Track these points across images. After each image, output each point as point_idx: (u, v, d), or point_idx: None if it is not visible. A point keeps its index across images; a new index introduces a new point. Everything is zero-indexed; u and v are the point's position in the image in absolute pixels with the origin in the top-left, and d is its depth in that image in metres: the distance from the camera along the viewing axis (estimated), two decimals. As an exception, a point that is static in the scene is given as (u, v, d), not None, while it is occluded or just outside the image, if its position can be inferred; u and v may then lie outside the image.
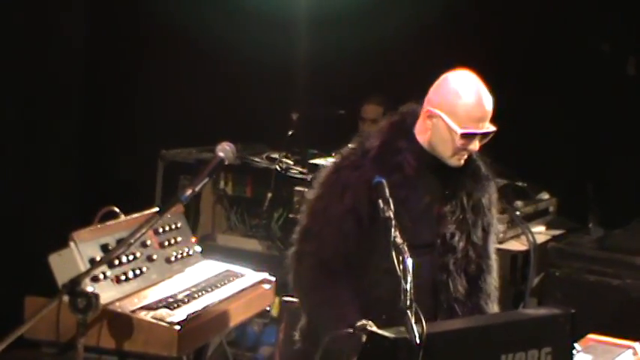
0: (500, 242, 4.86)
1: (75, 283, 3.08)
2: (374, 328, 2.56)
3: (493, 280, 3.19)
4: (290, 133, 5.71)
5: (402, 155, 3.10)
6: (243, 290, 3.69)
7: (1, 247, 5.27)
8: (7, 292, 3.56)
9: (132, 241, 3.09)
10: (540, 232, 5.43)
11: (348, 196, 3.04)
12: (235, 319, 3.61)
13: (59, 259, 3.33)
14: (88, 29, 5.88)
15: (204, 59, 6.22)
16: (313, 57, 6.90)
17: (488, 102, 3.11)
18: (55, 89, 5.82)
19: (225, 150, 3.15)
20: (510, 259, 5.15)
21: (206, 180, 3.10)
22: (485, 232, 3.18)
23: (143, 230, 3.06)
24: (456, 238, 3.01)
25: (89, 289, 3.12)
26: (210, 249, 4.62)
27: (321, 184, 3.19)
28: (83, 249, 3.32)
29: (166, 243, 3.75)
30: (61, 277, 3.26)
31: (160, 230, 3.75)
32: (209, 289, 3.61)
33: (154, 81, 6.09)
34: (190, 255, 3.86)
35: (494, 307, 3.15)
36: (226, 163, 3.14)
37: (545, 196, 5.67)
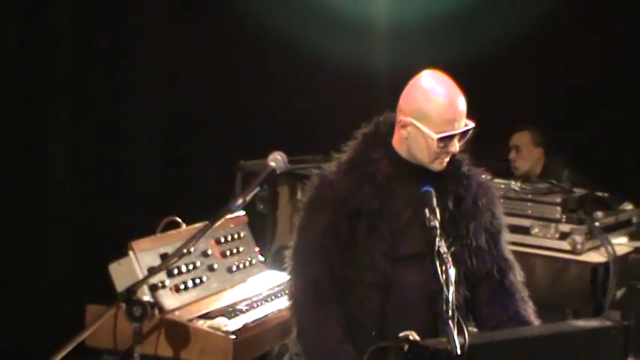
0: (579, 254, 4.74)
1: (131, 291, 3.14)
2: (416, 338, 2.52)
3: (517, 279, 3.06)
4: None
5: (373, 165, 3.01)
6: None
7: (84, 254, 5.42)
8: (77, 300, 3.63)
9: (184, 250, 3.12)
10: (622, 243, 5.26)
11: (326, 213, 2.98)
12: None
13: (119, 268, 3.38)
14: (172, 37, 6.01)
15: (284, 69, 6.25)
16: (402, 65, 6.85)
17: (460, 100, 2.97)
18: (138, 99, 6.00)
19: (276, 159, 3.17)
20: (591, 271, 5.00)
21: (257, 190, 3.11)
22: (491, 232, 3.04)
23: (194, 240, 3.09)
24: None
25: (146, 298, 3.18)
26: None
27: (305, 203, 3.15)
28: (142, 258, 3.37)
29: (228, 253, 3.78)
30: (121, 285, 3.31)
31: (222, 240, 3.78)
32: (269, 299, 3.62)
33: (232, 91, 6.16)
34: (253, 264, 3.88)
35: (527, 308, 3.02)
36: (278, 172, 3.15)
37: (629, 206, 5.51)
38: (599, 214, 5.25)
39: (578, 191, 5.14)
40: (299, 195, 5.92)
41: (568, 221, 4.73)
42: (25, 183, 5.54)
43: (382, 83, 6.83)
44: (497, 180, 5.04)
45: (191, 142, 6.27)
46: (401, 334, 2.56)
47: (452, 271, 2.56)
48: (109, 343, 3.21)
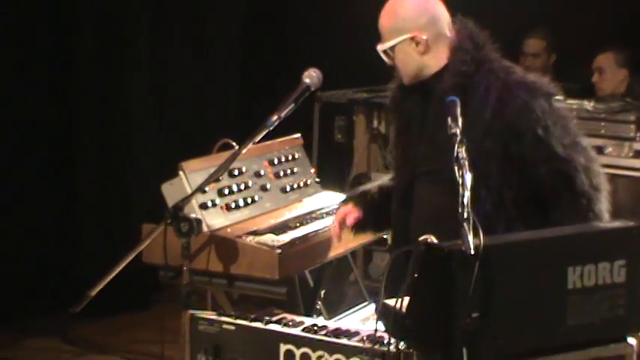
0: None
1: (178, 208, 3.26)
2: (433, 241, 2.56)
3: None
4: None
5: (389, 92, 3.31)
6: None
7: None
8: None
9: (227, 167, 3.23)
10: None
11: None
12: (344, 246, 3.68)
13: (170, 187, 3.51)
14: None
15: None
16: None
17: (381, 15, 3.18)
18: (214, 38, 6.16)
19: (311, 76, 3.22)
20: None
21: (292, 106, 3.17)
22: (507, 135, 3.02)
23: (235, 157, 3.18)
24: (447, 158, 2.76)
25: (193, 215, 3.29)
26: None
27: None
28: (192, 178, 3.48)
29: (282, 173, 3.86)
30: (172, 204, 3.43)
31: (276, 161, 3.87)
32: (321, 217, 3.70)
33: (310, 21, 6.22)
34: (308, 185, 3.96)
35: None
36: (312, 89, 3.21)
37: None
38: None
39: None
40: (375, 124, 5.97)
41: (643, 139, 4.66)
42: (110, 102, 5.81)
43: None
44: (569, 100, 4.98)
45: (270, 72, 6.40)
46: (420, 238, 2.61)
47: (468, 176, 2.58)
48: (162, 259, 3.33)
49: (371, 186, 3.47)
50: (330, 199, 3.95)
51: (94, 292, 3.42)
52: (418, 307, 2.56)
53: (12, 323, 5.46)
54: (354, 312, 3.79)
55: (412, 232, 3.08)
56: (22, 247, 5.61)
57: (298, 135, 4.08)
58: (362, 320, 3.63)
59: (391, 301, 2.67)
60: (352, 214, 3.37)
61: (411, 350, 2.74)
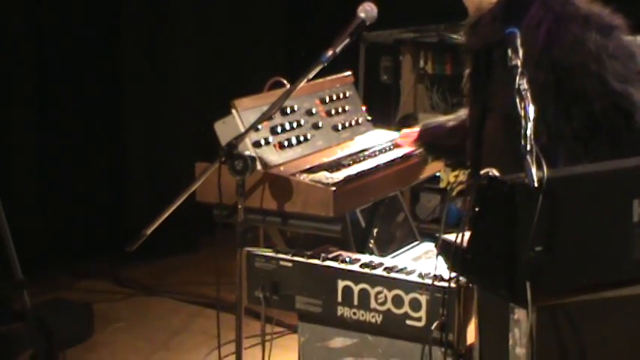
0: None
1: (232, 146, 3.24)
2: (495, 175, 2.53)
3: None
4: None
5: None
6: (410, 156, 3.71)
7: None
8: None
9: (280, 104, 3.21)
10: None
11: None
12: (398, 184, 3.65)
13: (223, 126, 3.48)
14: None
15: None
16: None
17: None
18: None
19: (366, 10, 3.17)
20: None
21: (347, 41, 3.13)
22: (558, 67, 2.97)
23: (290, 93, 3.16)
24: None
25: (248, 153, 3.28)
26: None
27: None
28: (245, 116, 3.46)
29: (333, 111, 3.83)
30: (225, 142, 3.42)
31: (327, 99, 3.83)
32: (374, 154, 3.67)
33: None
34: (360, 123, 3.93)
35: None
36: (367, 23, 3.16)
37: None
38: None
39: None
40: (422, 64, 5.91)
41: None
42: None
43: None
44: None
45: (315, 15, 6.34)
46: (482, 172, 2.58)
47: (530, 108, 2.54)
48: (216, 198, 3.33)
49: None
50: (382, 136, 3.91)
51: (149, 231, 3.42)
52: (480, 242, 2.54)
53: (63, 265, 5.53)
54: (404, 251, 3.77)
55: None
56: (73, 190, 5.65)
57: (349, 73, 4.03)
58: (414, 259, 3.61)
59: (451, 237, 2.65)
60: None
61: (471, 285, 2.73)
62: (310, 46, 6.24)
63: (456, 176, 5.47)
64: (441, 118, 3.67)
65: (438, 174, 3.93)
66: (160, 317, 5.11)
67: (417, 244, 3.85)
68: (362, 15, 3.17)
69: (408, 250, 3.79)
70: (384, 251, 3.90)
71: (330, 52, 3.13)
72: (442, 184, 5.28)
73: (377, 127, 4.00)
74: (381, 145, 3.78)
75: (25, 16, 5.36)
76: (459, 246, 2.59)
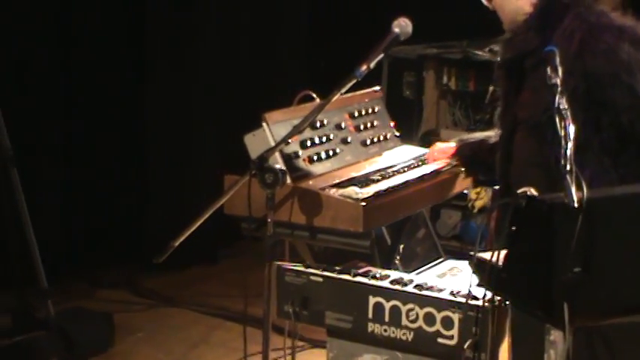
0: None
1: (263, 159, 3.23)
2: (533, 194, 2.51)
3: None
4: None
5: None
6: (439, 173, 3.69)
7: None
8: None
9: (312, 118, 3.20)
10: None
11: None
12: (427, 201, 3.63)
13: (253, 138, 3.47)
14: None
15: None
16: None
17: None
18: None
19: (400, 25, 3.16)
20: None
21: (381, 56, 3.12)
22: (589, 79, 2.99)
23: (322, 107, 3.15)
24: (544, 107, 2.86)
25: (278, 166, 3.27)
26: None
27: None
28: (275, 129, 3.45)
29: (362, 126, 3.81)
30: (255, 155, 3.40)
31: (356, 114, 3.82)
32: (403, 170, 3.65)
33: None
34: (388, 139, 3.91)
35: None
36: (402, 39, 3.15)
37: None
38: None
39: None
40: (445, 80, 5.90)
41: None
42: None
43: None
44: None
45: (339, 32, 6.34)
46: (519, 191, 2.56)
47: (571, 128, 2.52)
48: (245, 211, 3.31)
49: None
50: (410, 152, 3.90)
51: (177, 243, 3.41)
52: (517, 261, 2.52)
53: (83, 274, 5.52)
54: (428, 268, 3.75)
55: (513, 183, 3.04)
56: (94, 199, 5.65)
57: (377, 88, 4.03)
58: (439, 276, 3.60)
59: (486, 254, 2.63)
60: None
61: (505, 304, 2.71)
62: (329, 58, 6.33)
63: (477, 193, 5.47)
64: (479, 134, 3.66)
65: (466, 191, 3.90)
66: (180, 329, 5.10)
67: (441, 261, 3.83)
68: (397, 30, 3.16)
69: (431, 267, 3.77)
70: (407, 267, 3.88)
71: (364, 67, 3.12)
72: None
73: (405, 143, 3.99)
74: (409, 160, 3.77)
75: (54, 19, 5.38)
76: (495, 264, 2.57)
